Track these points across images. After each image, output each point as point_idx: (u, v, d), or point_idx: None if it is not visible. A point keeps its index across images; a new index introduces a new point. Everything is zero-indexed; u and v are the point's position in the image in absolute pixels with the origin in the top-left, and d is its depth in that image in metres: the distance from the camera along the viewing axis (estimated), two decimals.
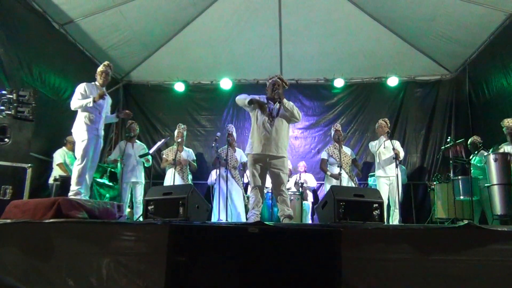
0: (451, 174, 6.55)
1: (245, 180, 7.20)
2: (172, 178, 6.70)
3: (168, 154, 7.15)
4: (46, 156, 6.78)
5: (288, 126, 5.11)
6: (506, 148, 5.93)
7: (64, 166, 6.67)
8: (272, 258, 2.98)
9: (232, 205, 6.73)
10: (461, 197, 6.24)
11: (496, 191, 5.65)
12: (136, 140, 7.28)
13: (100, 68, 5.45)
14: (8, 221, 3.57)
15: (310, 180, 8.27)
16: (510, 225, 5.25)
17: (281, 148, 4.92)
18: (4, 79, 5.73)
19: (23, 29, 6.26)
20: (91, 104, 5.17)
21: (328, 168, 7.05)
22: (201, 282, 2.95)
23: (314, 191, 8.56)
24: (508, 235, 3.21)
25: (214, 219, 6.49)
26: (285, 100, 4.97)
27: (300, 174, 8.14)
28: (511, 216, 5.51)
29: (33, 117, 5.07)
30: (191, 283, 2.93)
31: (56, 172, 6.58)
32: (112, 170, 7.44)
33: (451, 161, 6.62)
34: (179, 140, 7.05)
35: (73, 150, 6.67)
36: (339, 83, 9.24)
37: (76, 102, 5.15)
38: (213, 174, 7.91)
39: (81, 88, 5.24)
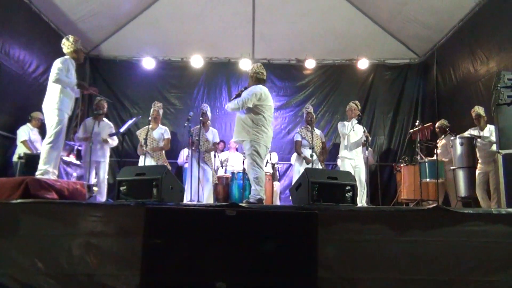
0: (419, 157, 6.72)
1: (217, 163, 7.18)
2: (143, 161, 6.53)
3: (141, 133, 6.85)
4: (10, 133, 6.49)
5: (243, 111, 5.11)
6: (473, 132, 6.06)
7: (28, 143, 6.41)
8: (249, 240, 2.99)
9: (201, 188, 6.65)
10: (428, 179, 6.44)
11: (461, 174, 5.86)
12: (104, 118, 7.02)
13: (77, 46, 5.13)
14: None
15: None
16: (474, 207, 5.50)
17: (237, 133, 5.09)
18: None
19: None
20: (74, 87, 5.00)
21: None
22: (178, 265, 2.93)
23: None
24: (473, 217, 3.37)
25: (185, 200, 6.42)
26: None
27: (270, 154, 8.12)
28: (474, 198, 5.75)
29: None
30: (168, 266, 2.90)
31: (21, 149, 6.31)
32: (79, 148, 7.22)
33: (418, 144, 6.79)
34: (155, 118, 6.87)
35: (38, 126, 6.45)
36: (310, 64, 9.23)
37: (63, 78, 4.83)
38: (183, 154, 7.79)
39: (66, 63, 4.94)
